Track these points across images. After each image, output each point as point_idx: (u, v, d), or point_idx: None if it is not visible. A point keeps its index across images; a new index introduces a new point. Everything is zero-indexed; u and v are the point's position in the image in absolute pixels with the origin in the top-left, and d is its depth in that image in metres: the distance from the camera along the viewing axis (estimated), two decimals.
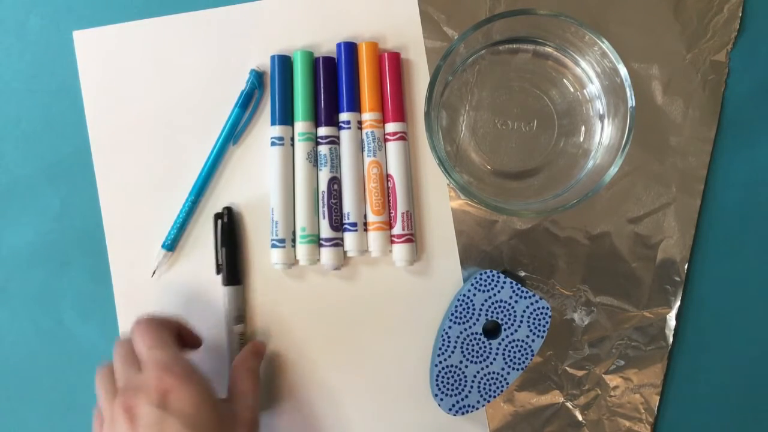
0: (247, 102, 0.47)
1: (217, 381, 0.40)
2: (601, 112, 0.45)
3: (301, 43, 0.47)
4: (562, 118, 0.46)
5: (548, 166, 0.46)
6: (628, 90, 0.41)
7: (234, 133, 0.47)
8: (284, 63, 0.46)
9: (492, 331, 0.46)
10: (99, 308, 0.48)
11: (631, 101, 0.41)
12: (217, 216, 0.47)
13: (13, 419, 0.48)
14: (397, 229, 0.46)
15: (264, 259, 0.47)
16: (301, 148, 0.46)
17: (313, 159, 0.46)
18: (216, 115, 0.47)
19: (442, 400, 0.44)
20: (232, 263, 0.46)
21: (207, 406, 0.37)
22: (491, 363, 0.44)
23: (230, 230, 0.47)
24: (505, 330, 0.44)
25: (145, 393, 0.36)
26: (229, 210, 0.47)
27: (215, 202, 0.47)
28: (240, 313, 0.46)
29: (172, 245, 0.47)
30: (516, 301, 0.44)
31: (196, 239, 0.47)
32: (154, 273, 0.47)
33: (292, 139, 0.46)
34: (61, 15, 0.49)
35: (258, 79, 0.47)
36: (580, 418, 0.47)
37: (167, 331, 0.41)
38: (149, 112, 0.48)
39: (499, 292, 0.44)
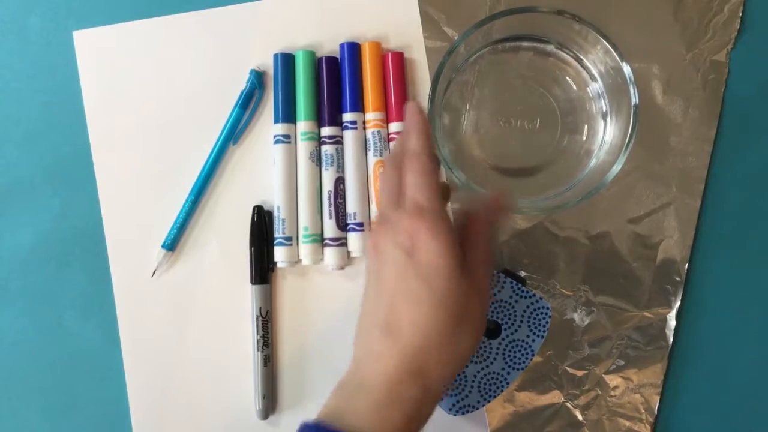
0: (247, 102, 0.47)
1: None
2: (604, 110, 0.45)
3: (301, 43, 0.47)
4: (566, 116, 0.46)
5: (551, 164, 0.46)
6: (631, 88, 0.41)
7: (234, 133, 0.47)
8: (287, 61, 0.46)
9: (492, 331, 0.45)
10: (99, 308, 0.48)
11: (635, 99, 0.41)
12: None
13: (13, 419, 0.48)
14: None
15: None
16: (303, 148, 0.46)
17: (316, 158, 0.46)
18: (216, 115, 0.47)
19: (442, 399, 0.44)
20: (260, 261, 0.46)
21: (449, 263, 0.34)
22: (491, 363, 0.44)
23: (259, 229, 0.46)
24: (505, 330, 0.44)
25: (394, 233, 0.35)
26: (259, 208, 0.47)
27: (215, 202, 0.47)
28: (268, 309, 0.46)
29: (172, 245, 0.47)
30: (516, 301, 0.44)
31: (196, 239, 0.47)
32: (154, 273, 0.47)
33: (295, 137, 0.46)
34: (61, 15, 0.49)
35: (258, 78, 0.47)
36: (580, 418, 0.47)
37: (434, 175, 0.37)
38: (149, 112, 0.48)
39: (499, 292, 0.44)
